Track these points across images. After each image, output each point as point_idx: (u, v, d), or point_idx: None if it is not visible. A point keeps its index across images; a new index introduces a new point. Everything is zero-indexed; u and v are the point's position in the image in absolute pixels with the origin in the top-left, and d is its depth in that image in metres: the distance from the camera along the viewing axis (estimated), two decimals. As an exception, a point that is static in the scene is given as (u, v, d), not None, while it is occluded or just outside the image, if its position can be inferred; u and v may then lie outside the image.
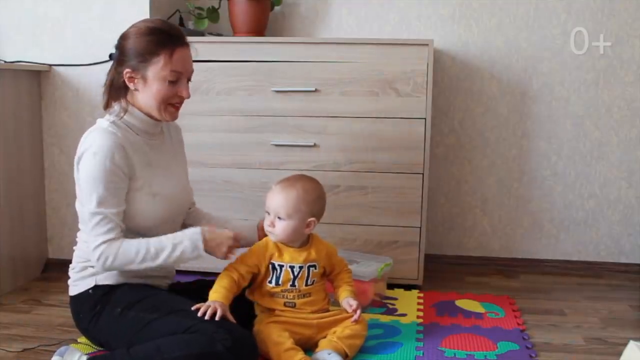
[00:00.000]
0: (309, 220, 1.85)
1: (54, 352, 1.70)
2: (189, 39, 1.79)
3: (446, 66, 2.75)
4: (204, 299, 1.73)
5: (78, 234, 1.85)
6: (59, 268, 2.62)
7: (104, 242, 1.67)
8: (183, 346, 1.56)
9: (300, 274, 1.86)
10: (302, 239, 1.90)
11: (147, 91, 1.72)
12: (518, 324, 2.10)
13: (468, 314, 2.20)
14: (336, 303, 1.99)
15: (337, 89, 2.39)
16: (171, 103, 1.76)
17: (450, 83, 2.76)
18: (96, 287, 1.76)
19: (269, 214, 1.86)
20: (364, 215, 2.45)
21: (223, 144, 2.48)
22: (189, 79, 1.79)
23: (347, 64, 2.37)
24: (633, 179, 2.73)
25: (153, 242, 1.70)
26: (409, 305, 2.28)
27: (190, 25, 2.64)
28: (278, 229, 1.84)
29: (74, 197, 1.81)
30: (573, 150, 2.74)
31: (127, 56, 1.71)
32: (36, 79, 2.58)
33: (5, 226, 2.41)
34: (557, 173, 2.76)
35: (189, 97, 1.77)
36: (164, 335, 1.61)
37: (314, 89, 2.39)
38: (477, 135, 2.78)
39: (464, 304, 2.30)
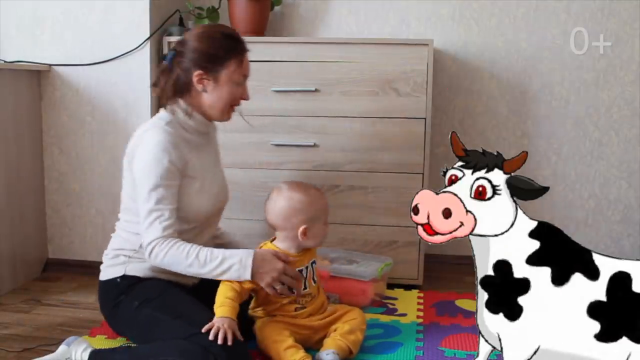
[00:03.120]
0: None
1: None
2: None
3: (446, 66, 2.75)
4: None
5: (117, 223, 1.89)
6: (59, 268, 2.62)
7: (159, 238, 1.69)
8: (176, 353, 1.57)
9: (307, 275, 1.86)
10: None
11: (217, 92, 1.80)
12: (518, 324, 2.10)
13: (468, 313, 2.20)
14: (334, 302, 1.99)
15: (337, 89, 2.39)
16: (232, 105, 1.85)
17: (450, 83, 2.76)
18: (124, 277, 1.79)
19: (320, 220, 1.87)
20: (364, 215, 2.45)
21: (223, 144, 2.45)
22: None
23: (347, 64, 2.37)
24: (633, 179, 2.73)
25: (205, 250, 1.72)
26: (409, 305, 2.28)
27: (190, 25, 2.63)
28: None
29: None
30: (573, 150, 2.74)
31: (197, 58, 1.77)
32: (36, 79, 2.58)
33: (5, 226, 2.41)
34: (557, 173, 2.76)
35: (249, 98, 1.88)
36: (168, 337, 1.63)
37: (314, 88, 2.39)
38: (477, 135, 2.78)
39: (464, 303, 2.30)
